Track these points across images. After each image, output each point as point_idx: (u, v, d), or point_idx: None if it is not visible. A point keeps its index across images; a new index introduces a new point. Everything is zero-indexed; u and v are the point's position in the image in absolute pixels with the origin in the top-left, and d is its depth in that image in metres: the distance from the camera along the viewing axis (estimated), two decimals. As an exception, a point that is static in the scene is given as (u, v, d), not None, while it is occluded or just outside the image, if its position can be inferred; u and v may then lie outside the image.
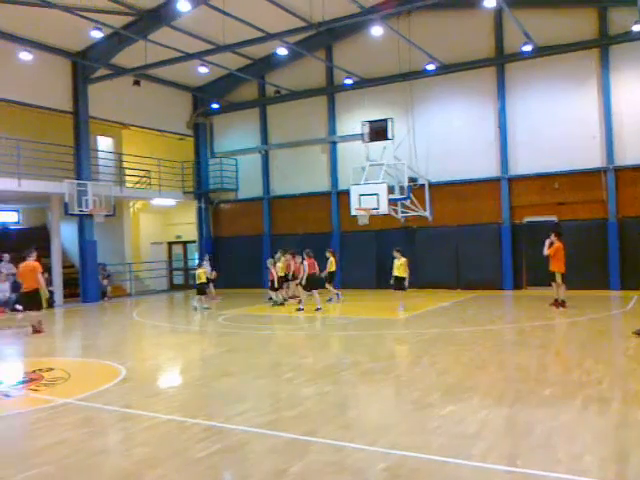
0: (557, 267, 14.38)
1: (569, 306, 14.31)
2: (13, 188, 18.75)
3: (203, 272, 17.16)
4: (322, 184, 23.64)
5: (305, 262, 16.19)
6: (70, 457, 5.25)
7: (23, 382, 8.28)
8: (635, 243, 18.02)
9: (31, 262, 13.51)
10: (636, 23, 17.17)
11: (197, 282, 17.08)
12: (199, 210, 26.15)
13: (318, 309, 15.57)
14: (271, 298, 17.73)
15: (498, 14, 19.79)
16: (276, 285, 17.41)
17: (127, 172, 24.60)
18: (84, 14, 17.38)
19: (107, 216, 21.26)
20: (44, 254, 22.14)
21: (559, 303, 14.38)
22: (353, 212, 18.76)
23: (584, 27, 18.95)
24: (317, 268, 16.68)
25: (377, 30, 18.05)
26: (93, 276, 21.28)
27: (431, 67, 20.43)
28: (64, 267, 21.97)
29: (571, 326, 12.04)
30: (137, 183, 24.97)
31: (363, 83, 22.36)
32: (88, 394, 7.44)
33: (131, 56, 20.39)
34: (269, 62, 23.80)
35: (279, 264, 17.92)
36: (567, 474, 4.57)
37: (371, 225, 19.81)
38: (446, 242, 20.95)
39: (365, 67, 22.27)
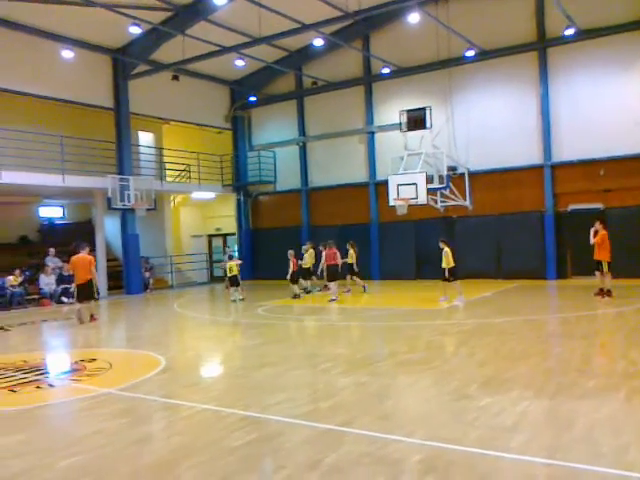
0: (603, 256, 13.96)
1: (615, 296, 13.87)
2: (57, 184, 19.28)
3: (235, 265, 17.23)
4: (360, 175, 23.52)
5: (323, 253, 16.19)
6: (107, 446, 5.35)
7: (67, 372, 8.50)
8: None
9: (85, 255, 14.05)
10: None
11: (229, 274, 17.13)
12: (238, 203, 26.39)
13: (332, 300, 15.65)
14: (309, 290, 17.87)
15: (539, -4, 19.25)
16: (295, 277, 17.47)
17: (167, 166, 24.98)
18: (123, 11, 17.69)
19: (148, 210, 21.66)
20: (89, 248, 22.80)
21: (605, 292, 13.96)
22: (391, 202, 18.60)
23: (629, 8, 18.24)
24: (339, 259, 16.63)
25: (414, 17, 17.79)
26: (136, 269, 21.74)
27: (470, 53, 20.04)
28: (108, 260, 22.50)
29: (617, 316, 11.66)
30: (177, 177, 25.34)
31: (401, 72, 22.10)
32: (128, 384, 7.58)
33: (169, 52, 20.63)
34: (306, 53, 23.76)
35: (306, 255, 18.04)
36: (610, 468, 4.41)
37: (410, 215, 19.62)
38: (487, 232, 20.58)
39: (402, 56, 21.99)
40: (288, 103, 25.36)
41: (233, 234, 27.03)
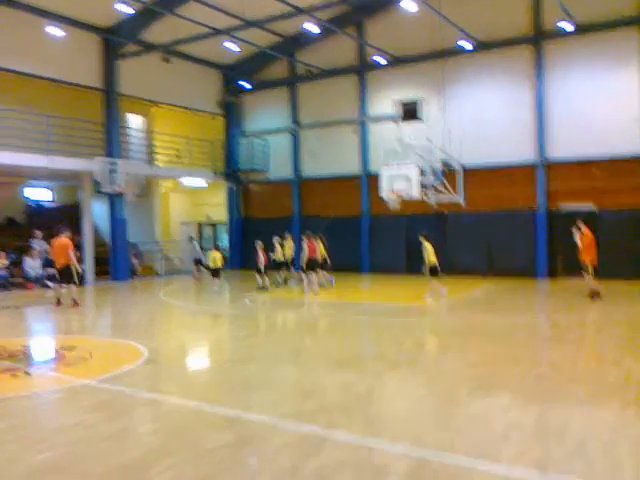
0: (588, 257, 13.69)
1: (605, 297, 13.71)
2: (43, 165, 18.82)
3: (219, 256, 16.91)
4: (352, 166, 23.25)
5: (305, 245, 16.29)
6: (81, 442, 5.12)
7: (45, 361, 8.23)
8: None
9: (63, 239, 13.80)
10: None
11: (213, 266, 16.77)
12: (229, 191, 26.04)
13: (307, 292, 15.81)
14: (277, 282, 17.85)
15: (537, -11, 19.00)
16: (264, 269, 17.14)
17: (157, 150, 24.57)
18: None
19: (137, 195, 21.27)
20: (76, 232, 22.41)
21: (593, 294, 13.83)
22: (384, 196, 18.33)
23: (628, 3, 18.01)
24: (318, 252, 16.57)
25: (410, 5, 17.38)
26: (123, 255, 21.39)
27: (465, 45, 19.74)
28: (96, 245, 22.09)
29: (610, 320, 11.53)
30: (168, 162, 24.94)
31: (395, 62, 21.78)
32: (108, 376, 7.33)
33: (161, 33, 20.23)
34: (300, 40, 23.35)
35: (278, 247, 18.13)
36: (604, 486, 4.24)
37: (402, 209, 19.35)
38: (479, 228, 20.40)
39: (397, 45, 21.65)
40: (281, 90, 25.00)
41: (223, 222, 26.71)
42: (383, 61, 21.67)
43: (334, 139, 23.79)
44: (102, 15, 19.87)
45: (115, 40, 20.69)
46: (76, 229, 21.85)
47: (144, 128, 24.80)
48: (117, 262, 21.21)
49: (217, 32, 19.47)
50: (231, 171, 25.73)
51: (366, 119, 22.86)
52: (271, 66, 25.05)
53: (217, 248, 17.74)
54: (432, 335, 10.13)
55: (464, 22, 19.27)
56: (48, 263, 18.84)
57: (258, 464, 4.72)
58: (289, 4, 18.46)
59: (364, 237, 22.77)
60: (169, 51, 21.49)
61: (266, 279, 16.90)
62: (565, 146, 19.06)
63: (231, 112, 26.12)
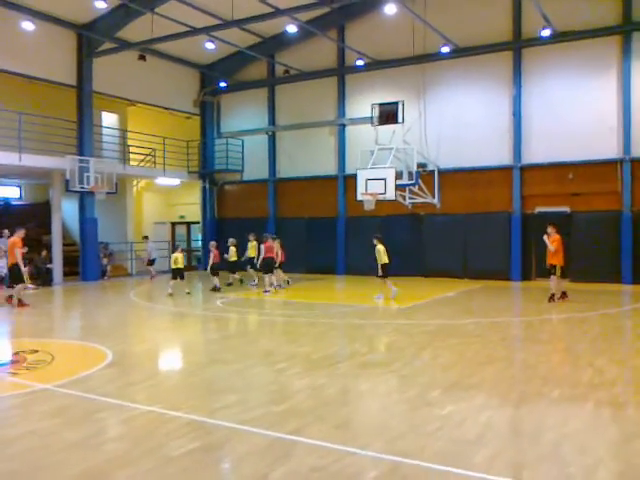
0: (557, 260, 13.74)
1: (577, 298, 13.73)
2: (13, 162, 18.34)
3: (180, 256, 16.48)
4: (329, 167, 23.11)
5: (262, 246, 16.56)
6: (37, 451, 4.86)
7: (4, 364, 7.88)
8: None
9: (13, 238, 13.85)
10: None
11: (174, 266, 16.23)
12: (203, 190, 25.71)
13: (266, 292, 16.05)
14: (230, 283, 17.81)
15: (517, -5, 19.08)
16: (215, 269, 17.13)
17: (131, 150, 24.15)
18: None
19: (109, 194, 20.87)
20: (45, 231, 21.89)
21: (560, 296, 13.88)
22: (359, 197, 18.23)
23: (607, 12, 18.17)
24: (275, 253, 16.80)
25: (391, 8, 17.38)
26: (93, 254, 20.94)
27: (446, 49, 19.74)
28: (66, 245, 21.61)
29: (582, 321, 11.52)
30: (142, 161, 24.53)
31: (375, 65, 21.72)
32: (69, 380, 7.04)
33: (138, 30, 19.82)
34: (279, 41, 23.17)
35: (232, 248, 18.11)
36: (578, 491, 4.12)
37: (377, 211, 19.26)
38: (454, 230, 20.40)
39: (378, 48, 21.60)
40: (259, 91, 24.76)
41: (197, 222, 26.35)
42: (362, 63, 21.56)
43: (311, 140, 23.64)
44: (78, 11, 19.46)
45: (91, 37, 20.27)
46: (46, 227, 21.44)
47: (119, 126, 24.34)
48: (86, 262, 20.76)
49: (195, 31, 19.17)
50: (206, 171, 25.40)
51: (344, 121, 22.75)
52: (250, 66, 24.80)
53: (177, 249, 17.12)
54: (404, 336, 9.98)
55: (445, 27, 19.25)
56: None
57: (224, 472, 4.51)
58: (269, 5, 18.28)
59: (339, 238, 22.64)
60: (146, 49, 21.10)
61: (215, 279, 16.90)
62: (541, 150, 19.16)
63: (207, 112, 25.82)
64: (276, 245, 17.04)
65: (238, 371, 7.59)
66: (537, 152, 19.23)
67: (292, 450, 4.85)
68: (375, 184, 18.09)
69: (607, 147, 18.12)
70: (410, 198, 19.52)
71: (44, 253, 19.72)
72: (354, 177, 19.09)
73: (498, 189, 19.95)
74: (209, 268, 17.20)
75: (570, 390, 6.58)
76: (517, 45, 19.53)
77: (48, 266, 19.61)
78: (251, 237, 18.93)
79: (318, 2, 17.50)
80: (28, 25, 18.12)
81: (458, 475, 4.37)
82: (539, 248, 18.55)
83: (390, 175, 17.92)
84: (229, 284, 18.07)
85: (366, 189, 18.23)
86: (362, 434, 5.25)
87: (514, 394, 6.46)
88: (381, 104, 19.52)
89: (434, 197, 19.92)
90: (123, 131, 24.00)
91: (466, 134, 20.23)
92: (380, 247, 15.10)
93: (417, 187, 19.27)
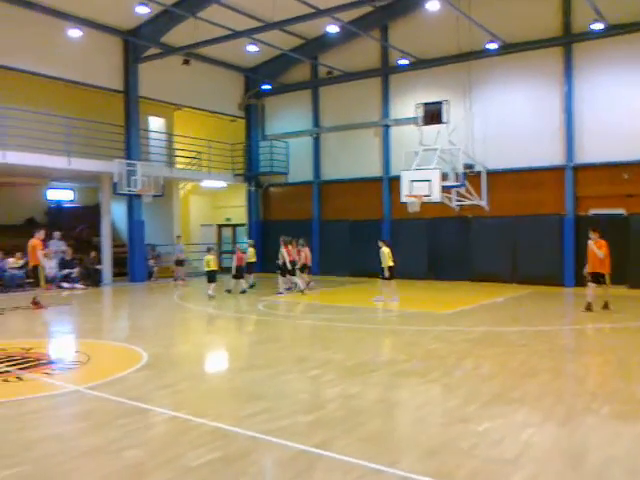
0: (605, 267, 12.60)
1: (629, 307, 12.92)
2: (63, 166, 18.82)
3: (212, 258, 16.26)
4: (374, 169, 22.80)
5: (284, 249, 16.94)
6: (56, 456, 4.78)
7: (41, 364, 7.94)
8: None
9: (33, 240, 13.69)
10: None
11: (207, 269, 16.07)
12: (249, 193, 25.80)
13: (279, 293, 16.53)
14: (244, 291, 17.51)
15: (567, -12, 18.33)
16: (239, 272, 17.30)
17: (178, 153, 24.47)
18: (133, -10, 17.11)
19: (155, 196, 21.17)
20: (95, 233, 22.38)
21: (604, 305, 12.82)
22: (403, 199, 17.83)
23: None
24: (296, 256, 17.08)
25: (434, 4, 16.93)
26: (140, 256, 21.27)
27: (492, 46, 19.17)
28: (116, 246, 22.03)
29: (638, 332, 10.85)
30: (187, 164, 24.82)
31: (419, 64, 21.30)
32: (100, 382, 7.02)
33: (181, 35, 20.06)
34: (322, 42, 23.03)
35: (251, 249, 18.39)
36: (624, 522, 3.73)
37: (424, 213, 18.84)
38: (503, 233, 19.74)
39: (421, 47, 21.17)
40: (303, 93, 24.68)
41: (243, 225, 26.47)
42: (406, 62, 21.17)
43: (355, 142, 23.39)
44: (123, 17, 19.81)
45: (136, 42, 20.63)
46: (97, 230, 21.91)
47: (166, 130, 24.69)
48: (134, 263, 21.10)
49: (237, 34, 19.22)
50: (251, 174, 25.49)
51: (389, 122, 22.41)
52: (293, 69, 24.76)
53: (209, 251, 16.89)
54: (445, 344, 9.59)
55: (491, 23, 18.69)
56: (65, 264, 18.83)
57: (240, 486, 4.32)
58: (310, 5, 18.15)
59: (385, 242, 22.22)
60: (190, 53, 21.33)
61: (242, 282, 17.14)
62: (595, 149, 18.32)
63: (252, 115, 25.91)
64: (300, 249, 17.25)
65: (270, 377, 7.41)
66: (590, 151, 18.40)
67: (315, 464, 4.61)
68: (420, 186, 17.65)
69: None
70: (457, 200, 19.00)
71: (93, 254, 20.15)
72: (399, 179, 18.71)
73: (549, 190, 19.21)
74: (233, 271, 17.30)
75: (621, 407, 6.11)
76: (567, 40, 18.77)
77: (97, 267, 20.02)
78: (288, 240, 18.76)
79: (359, 1, 17.22)
80: (75, 32, 18.53)
81: (491, 499, 4.04)
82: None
83: (435, 176, 17.44)
84: (228, 291, 17.32)
85: (411, 191, 17.83)
86: (391, 449, 4.96)
87: (559, 410, 6.03)
88: (425, 104, 19.04)
89: (482, 199, 19.32)
90: (169, 135, 24.33)
91: (515, 133, 19.58)
92: (385, 250, 15.22)
93: (464, 189, 18.73)
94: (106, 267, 20.77)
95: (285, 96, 25.23)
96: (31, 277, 13.87)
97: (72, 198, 26.71)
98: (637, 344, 9.59)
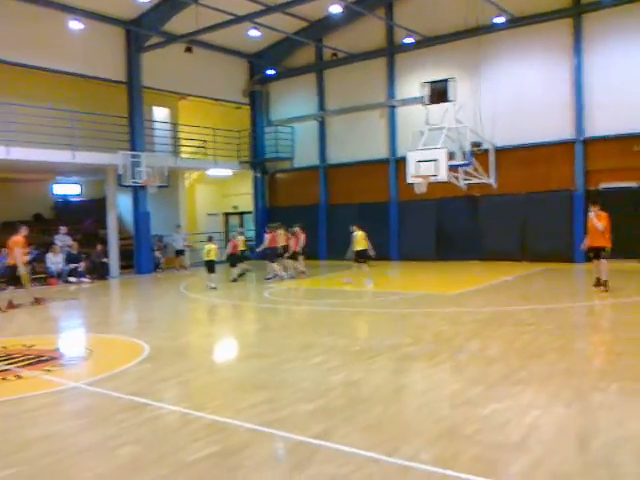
0: (606, 241, 12.08)
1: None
2: (67, 160, 18.76)
3: (213, 248, 15.80)
4: (380, 151, 22.55)
5: (267, 235, 17.24)
6: (52, 454, 4.71)
7: (41, 361, 7.89)
8: None
9: (14, 237, 12.86)
10: None
11: (206, 258, 15.65)
12: (255, 180, 25.67)
13: (268, 279, 16.70)
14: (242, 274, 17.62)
15: (574, -44, 17.84)
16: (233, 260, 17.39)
17: (183, 142, 24.33)
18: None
19: (161, 187, 21.07)
20: (102, 225, 22.37)
21: (603, 284, 12.12)
22: (409, 180, 17.59)
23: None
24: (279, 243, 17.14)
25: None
26: (146, 247, 21.23)
27: (500, 20, 18.78)
28: (123, 239, 22.01)
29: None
30: (193, 154, 24.69)
31: (425, 42, 20.95)
32: (100, 377, 6.95)
33: (183, 23, 19.86)
34: (326, 24, 22.71)
35: (240, 237, 18.32)
36: (632, 508, 3.58)
37: (431, 194, 18.60)
38: (512, 211, 19.48)
39: (428, 24, 20.78)
40: (307, 76, 24.40)
41: (250, 212, 26.35)
42: (412, 40, 20.79)
43: (361, 124, 23.12)
44: (124, 7, 19.65)
45: (138, 32, 20.44)
46: (104, 222, 21.87)
47: (170, 120, 24.52)
48: (140, 255, 21.07)
49: (239, 18, 18.96)
50: (257, 160, 25.32)
51: (395, 102, 22.09)
52: (297, 53, 24.48)
53: (210, 240, 16.61)
54: (453, 325, 9.44)
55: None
56: (71, 258, 18.85)
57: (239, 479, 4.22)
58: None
59: (393, 223, 22.08)
60: (193, 41, 21.12)
61: (234, 270, 17.16)
62: (605, 122, 17.95)
63: (257, 101, 25.68)
64: (290, 236, 17.40)
65: (272, 366, 7.31)
66: (600, 124, 18.03)
67: (314, 456, 4.50)
68: (426, 166, 17.37)
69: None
70: (465, 179, 18.72)
71: (99, 247, 20.14)
72: (406, 160, 18.45)
73: (559, 165, 18.88)
74: (227, 259, 17.39)
75: (631, 384, 5.94)
76: (577, 11, 18.34)
77: (103, 260, 20.02)
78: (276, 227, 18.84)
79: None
80: (76, 24, 18.37)
81: (493, 487, 3.91)
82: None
83: (442, 156, 17.14)
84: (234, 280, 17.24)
85: (417, 171, 17.57)
86: (392, 437, 4.83)
87: (566, 390, 5.87)
88: (432, 82, 18.71)
89: (490, 177, 19.01)
90: (174, 124, 24.19)
91: (524, 108, 19.23)
92: (359, 233, 15.32)
93: (471, 167, 18.43)
94: (113, 260, 20.77)
95: (290, 80, 24.96)
96: (6, 276, 12.87)
97: (79, 192, 26.73)
98: (650, 320, 9.37)
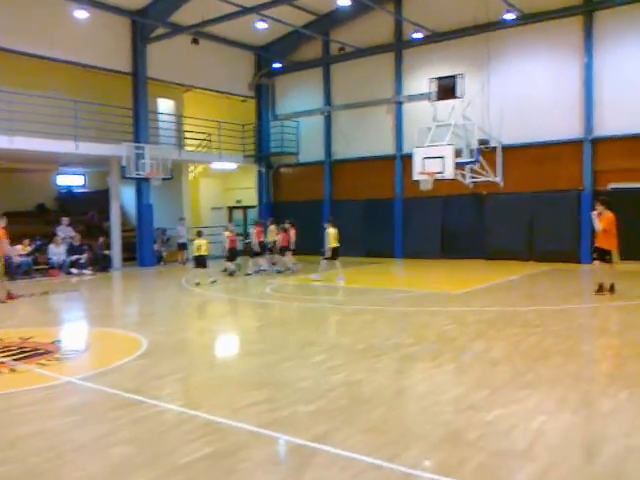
0: (609, 243, 11.62)
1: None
2: (71, 150, 18.63)
3: (204, 243, 15.45)
4: (386, 147, 22.33)
5: (253, 230, 17.69)
6: (42, 453, 4.56)
7: (36, 354, 7.74)
8: None
9: None
10: None
11: (196, 253, 15.31)
12: (259, 174, 25.49)
13: (248, 274, 17.04)
14: (225, 269, 17.41)
15: (586, -48, 17.56)
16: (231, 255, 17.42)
17: (187, 135, 24.16)
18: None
19: (164, 179, 20.91)
20: (105, 217, 22.24)
21: (609, 288, 11.65)
22: (415, 176, 17.38)
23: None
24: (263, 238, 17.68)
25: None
26: (149, 240, 21.10)
27: (510, 17, 18.51)
28: (127, 231, 21.89)
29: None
30: (197, 146, 24.52)
31: (434, 37, 20.69)
32: (96, 372, 6.82)
33: (190, 14, 19.69)
34: (334, 18, 22.52)
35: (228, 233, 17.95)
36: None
37: (437, 191, 18.37)
38: (519, 210, 19.26)
39: (436, 20, 20.54)
40: (314, 71, 24.17)
41: (254, 207, 26.18)
42: (420, 36, 20.55)
43: (368, 120, 22.90)
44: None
45: (144, 22, 20.25)
46: (107, 214, 21.75)
47: (175, 112, 24.35)
48: (143, 248, 20.96)
49: (246, 10, 18.76)
50: (262, 154, 25.15)
51: (402, 98, 21.86)
52: (304, 46, 24.25)
53: (200, 235, 16.07)
54: (457, 325, 9.26)
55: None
56: (73, 250, 18.74)
57: (230, 484, 4.06)
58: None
59: (397, 221, 21.90)
60: (199, 32, 20.93)
61: (229, 265, 17.21)
62: (615, 121, 17.72)
63: (263, 94, 25.49)
64: (279, 231, 17.67)
65: (272, 364, 7.15)
66: (610, 123, 17.78)
67: (311, 460, 4.33)
68: (432, 163, 17.16)
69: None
70: (471, 177, 18.49)
71: (102, 239, 20.02)
72: (412, 157, 18.25)
73: (567, 165, 18.65)
74: (225, 253, 17.42)
75: (641, 391, 5.75)
76: (588, 8, 18.05)
77: (105, 252, 19.90)
78: (269, 222, 19.02)
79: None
80: (82, 14, 18.20)
81: (498, 497, 3.74)
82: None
83: (448, 153, 16.93)
84: (247, 274, 17.28)
85: (423, 168, 17.36)
86: (393, 441, 4.66)
87: (574, 395, 5.69)
88: (439, 78, 18.46)
89: (497, 175, 18.78)
90: (178, 117, 24.03)
91: (532, 106, 19.00)
92: (331, 230, 15.30)
93: (478, 165, 18.20)
94: (115, 252, 20.67)
95: (296, 74, 24.75)
96: None
97: (82, 183, 26.61)
98: (659, 323, 9.18)
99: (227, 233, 17.72)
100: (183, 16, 20.17)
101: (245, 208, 27.10)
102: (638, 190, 17.08)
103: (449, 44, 20.63)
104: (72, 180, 26.05)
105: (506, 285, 14.14)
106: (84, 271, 18.37)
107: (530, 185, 19.08)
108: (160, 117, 23.19)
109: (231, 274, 17.00)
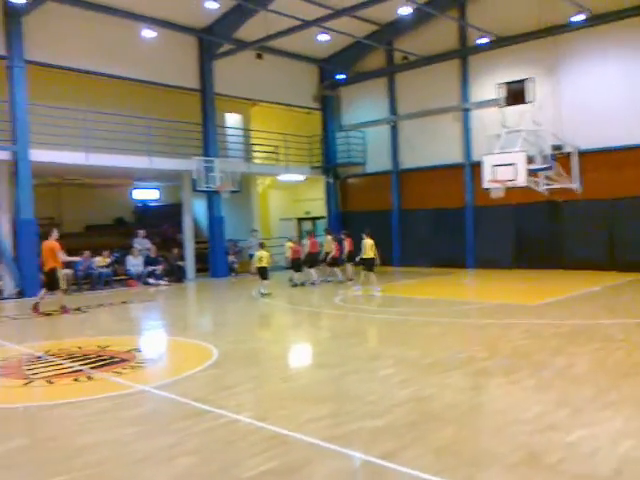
0: None
1: None
2: (145, 166, 19.29)
3: (266, 255, 15.56)
4: (454, 155, 21.85)
5: (307, 242, 17.85)
6: (105, 463, 4.61)
7: (113, 362, 7.95)
8: None
9: (50, 241, 12.75)
10: None
11: (258, 265, 15.45)
12: (327, 185, 25.53)
13: (294, 285, 17.06)
14: (291, 279, 17.40)
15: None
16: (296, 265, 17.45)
17: (255, 148, 24.55)
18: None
19: (233, 192, 21.28)
20: (179, 230, 22.89)
21: None
22: (485, 185, 16.87)
23: None
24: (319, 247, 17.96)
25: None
26: (221, 251, 21.50)
27: (578, 18, 17.76)
28: (199, 242, 22.40)
29: None
30: (265, 159, 24.86)
31: (499, 42, 20.10)
32: (167, 381, 6.92)
33: (253, 29, 20.01)
34: (396, 27, 22.31)
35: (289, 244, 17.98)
36: None
37: (508, 199, 17.73)
38: (599, 217, 18.34)
39: (502, 24, 19.96)
40: (378, 81, 24.03)
41: (323, 217, 26.23)
42: (486, 41, 20.06)
43: (434, 128, 22.50)
44: (196, 16, 19.98)
45: (210, 40, 20.79)
46: (180, 227, 22.37)
47: (243, 126, 24.80)
48: (215, 259, 21.37)
49: (307, 23, 18.92)
50: (329, 165, 25.20)
51: (468, 105, 21.39)
52: (368, 57, 24.18)
53: (262, 246, 16.31)
54: (534, 339, 8.82)
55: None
56: (149, 261, 19.36)
57: (294, 501, 3.96)
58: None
59: (468, 230, 21.33)
60: (263, 47, 21.29)
61: (295, 275, 17.28)
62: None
63: (328, 106, 25.56)
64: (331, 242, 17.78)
65: (339, 377, 7.02)
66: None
67: (379, 478, 4.18)
68: (503, 170, 16.62)
69: None
70: (545, 184, 17.78)
71: (176, 251, 20.59)
72: (481, 164, 17.76)
73: (648, 170, 17.59)
74: (289, 264, 17.60)
75: None
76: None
77: (179, 263, 20.44)
78: (325, 233, 19.09)
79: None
80: (149, 33, 18.80)
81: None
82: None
83: (520, 160, 16.34)
84: (312, 283, 17.33)
85: (494, 176, 16.84)
86: (466, 463, 4.42)
87: (665, 416, 5.25)
88: (508, 83, 17.92)
89: (573, 181, 17.97)
90: (246, 130, 24.45)
91: (608, 109, 18.08)
92: (368, 241, 15.31)
93: (553, 171, 17.50)
94: (189, 263, 21.18)
95: (360, 85, 24.69)
96: (48, 281, 12.70)
97: (157, 197, 27.55)
98: None
99: (289, 244, 17.80)
100: (247, 32, 20.54)
101: (314, 219, 27.18)
102: None
103: (515, 48, 20.01)
104: (148, 194, 27.03)
105: (586, 297, 13.44)
106: (160, 282, 18.95)
107: (609, 191, 18.14)
108: (228, 131, 23.69)
109: (295, 285, 16.97)
